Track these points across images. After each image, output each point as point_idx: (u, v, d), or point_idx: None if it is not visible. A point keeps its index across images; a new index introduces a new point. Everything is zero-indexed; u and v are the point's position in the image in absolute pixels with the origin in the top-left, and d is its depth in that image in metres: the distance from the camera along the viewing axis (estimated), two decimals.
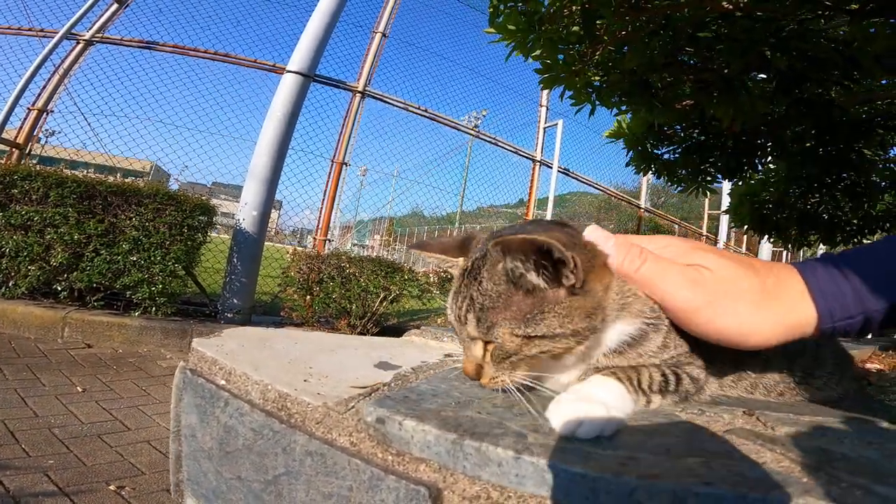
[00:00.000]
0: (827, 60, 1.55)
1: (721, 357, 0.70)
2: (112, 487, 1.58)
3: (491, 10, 1.65)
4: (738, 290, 0.56)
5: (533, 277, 0.57)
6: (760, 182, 2.74)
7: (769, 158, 2.48)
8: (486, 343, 0.60)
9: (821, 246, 3.18)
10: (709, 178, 2.63)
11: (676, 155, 2.63)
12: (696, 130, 2.48)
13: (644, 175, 2.82)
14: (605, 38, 1.79)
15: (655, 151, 2.67)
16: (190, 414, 0.70)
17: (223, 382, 0.66)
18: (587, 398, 0.53)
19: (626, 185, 9.43)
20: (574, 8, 1.61)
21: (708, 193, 2.75)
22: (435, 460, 0.44)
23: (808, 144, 2.23)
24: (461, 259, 0.67)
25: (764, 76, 1.91)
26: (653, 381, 0.60)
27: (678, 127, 2.53)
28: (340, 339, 0.91)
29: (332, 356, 0.77)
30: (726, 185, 6.13)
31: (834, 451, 0.45)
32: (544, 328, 0.57)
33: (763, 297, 0.56)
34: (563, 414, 0.50)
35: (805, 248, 3.22)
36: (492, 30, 1.71)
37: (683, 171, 2.64)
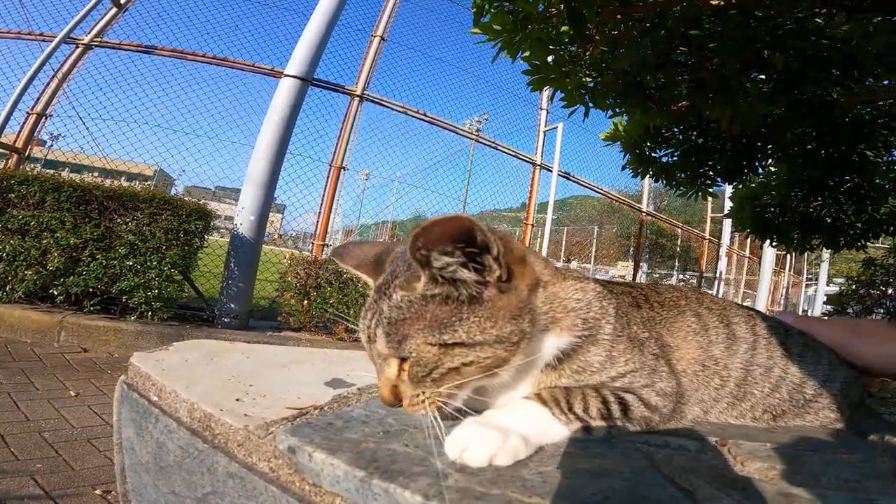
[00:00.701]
0: (825, 59, 1.49)
1: (715, 381, 0.67)
2: (98, 492, 1.57)
3: (474, 9, 1.60)
4: (869, 333, 0.84)
5: (464, 274, 0.51)
6: (761, 185, 2.68)
7: (770, 161, 2.42)
8: (402, 362, 0.53)
9: (824, 250, 3.10)
10: (708, 182, 2.56)
11: (675, 158, 2.57)
12: (694, 133, 2.42)
13: (642, 178, 2.77)
14: (597, 37, 1.74)
15: (653, 154, 2.62)
16: (128, 427, 0.68)
17: (155, 399, 0.62)
18: (486, 423, 0.48)
19: (629, 189, 9.35)
20: (561, 7, 1.56)
21: (708, 197, 2.69)
22: (347, 496, 0.40)
23: (809, 147, 2.16)
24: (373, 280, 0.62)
25: (763, 76, 1.86)
26: (588, 405, 0.54)
27: (676, 129, 2.47)
28: (300, 354, 0.87)
29: (281, 372, 0.73)
30: (728, 188, 6.04)
31: (800, 497, 0.40)
32: (463, 334, 0.51)
33: (886, 339, 0.82)
34: (454, 438, 0.46)
35: (808, 252, 3.14)
36: (477, 30, 1.67)
37: (682, 175, 2.58)
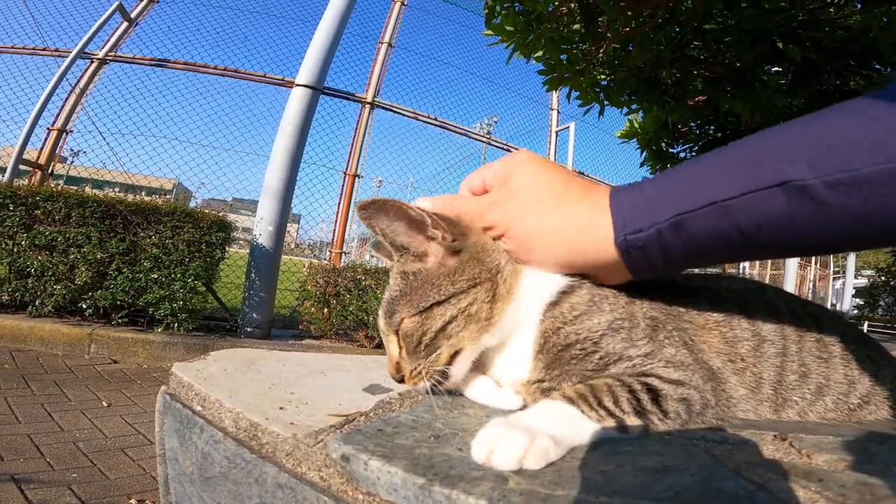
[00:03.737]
0: (842, 51, 1.46)
1: (768, 357, 0.62)
2: (133, 501, 1.60)
3: (486, 11, 1.61)
4: (537, 199, 0.57)
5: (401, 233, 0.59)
6: None
7: None
8: (398, 338, 0.60)
9: None
10: None
11: (693, 152, 2.54)
12: (712, 127, 2.39)
13: None
14: (609, 34, 1.74)
15: (671, 150, 2.59)
16: (171, 438, 0.69)
17: (199, 408, 0.63)
18: (512, 423, 0.46)
19: None
20: (572, 6, 1.56)
21: None
22: None
23: None
24: None
25: (780, 69, 1.83)
26: (618, 398, 0.51)
27: (693, 124, 2.44)
28: (335, 361, 0.89)
29: (319, 379, 0.75)
30: None
31: (878, 485, 0.38)
32: (434, 294, 0.56)
33: (562, 201, 0.56)
34: (480, 440, 0.44)
35: None
36: (490, 32, 1.68)
37: None
